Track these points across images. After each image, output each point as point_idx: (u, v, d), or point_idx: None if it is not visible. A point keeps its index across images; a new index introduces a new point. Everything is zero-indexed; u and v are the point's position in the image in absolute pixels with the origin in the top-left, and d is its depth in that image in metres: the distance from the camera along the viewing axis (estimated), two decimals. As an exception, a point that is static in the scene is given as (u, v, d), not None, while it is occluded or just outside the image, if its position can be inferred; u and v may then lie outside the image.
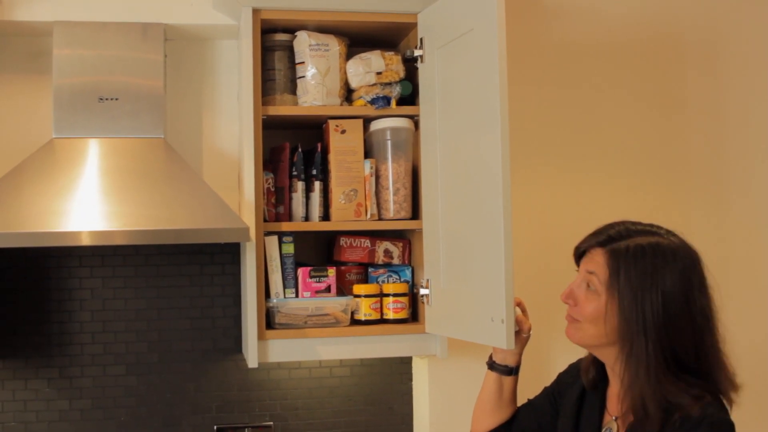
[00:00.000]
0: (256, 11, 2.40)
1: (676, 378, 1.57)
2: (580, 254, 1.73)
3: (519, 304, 2.02)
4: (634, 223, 1.70)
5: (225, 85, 2.71)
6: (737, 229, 3.05)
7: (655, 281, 1.59)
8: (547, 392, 1.97)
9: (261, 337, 2.37)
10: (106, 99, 2.44)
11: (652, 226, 1.70)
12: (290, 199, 2.51)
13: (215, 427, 2.69)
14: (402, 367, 2.79)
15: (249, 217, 2.36)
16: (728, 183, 3.06)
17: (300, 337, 2.40)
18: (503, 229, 2.01)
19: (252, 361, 2.36)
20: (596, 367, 1.77)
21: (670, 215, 2.96)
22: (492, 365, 2.00)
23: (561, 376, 1.97)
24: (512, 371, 1.98)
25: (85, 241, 2.19)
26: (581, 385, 1.81)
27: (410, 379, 2.80)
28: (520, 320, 1.99)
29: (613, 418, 1.70)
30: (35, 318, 2.62)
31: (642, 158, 2.99)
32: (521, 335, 1.98)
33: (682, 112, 3.04)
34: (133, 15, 2.48)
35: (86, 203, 2.25)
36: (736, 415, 1.61)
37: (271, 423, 2.72)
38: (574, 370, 1.90)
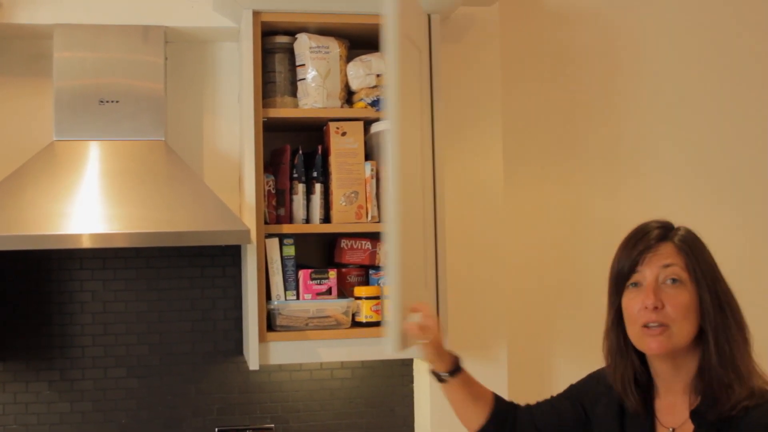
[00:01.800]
0: (256, 14, 2.40)
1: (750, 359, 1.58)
2: (633, 261, 1.64)
3: (418, 311, 1.91)
4: (653, 220, 1.69)
5: (226, 88, 2.71)
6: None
7: (714, 262, 1.62)
8: (567, 396, 1.91)
9: (262, 339, 2.37)
10: (107, 101, 2.44)
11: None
12: (291, 201, 2.51)
13: (216, 430, 2.69)
14: (403, 369, 2.79)
15: (250, 220, 2.36)
16: (735, 184, 3.07)
17: (301, 339, 2.40)
18: (395, 236, 1.89)
19: (253, 363, 2.36)
20: (639, 386, 1.69)
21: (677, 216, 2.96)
22: (431, 374, 1.94)
23: (585, 385, 1.89)
24: (450, 374, 1.90)
25: (86, 244, 2.19)
26: (618, 401, 1.74)
27: (411, 381, 2.80)
28: (418, 327, 1.87)
29: (670, 429, 1.64)
30: (36, 320, 2.62)
31: (650, 161, 3.00)
32: (426, 342, 1.88)
33: (683, 112, 3.05)
34: (134, 18, 2.49)
35: (87, 206, 2.25)
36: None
37: (273, 425, 2.72)
38: (600, 380, 1.82)
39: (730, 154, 3.07)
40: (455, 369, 1.90)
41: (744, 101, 3.09)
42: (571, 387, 1.91)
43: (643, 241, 1.63)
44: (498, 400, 1.94)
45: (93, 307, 2.65)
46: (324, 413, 2.76)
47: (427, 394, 2.66)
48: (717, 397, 1.54)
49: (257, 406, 2.72)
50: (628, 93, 3.02)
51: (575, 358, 2.83)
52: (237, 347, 2.71)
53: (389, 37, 1.96)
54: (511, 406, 1.96)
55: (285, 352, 2.40)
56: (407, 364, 2.75)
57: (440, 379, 1.92)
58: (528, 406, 1.95)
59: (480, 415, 1.92)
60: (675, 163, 3.03)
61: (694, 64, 3.06)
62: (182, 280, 2.70)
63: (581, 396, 1.86)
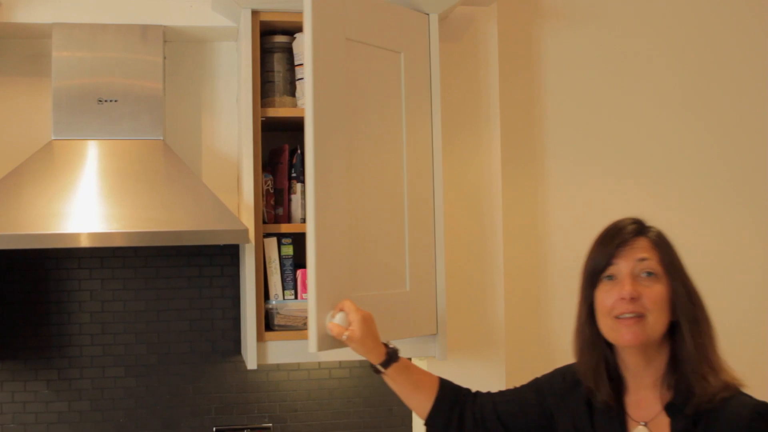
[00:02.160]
0: (255, 13, 2.40)
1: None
2: (609, 254, 1.68)
3: (342, 309, 1.97)
4: (626, 218, 1.75)
5: (224, 87, 2.71)
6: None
7: (682, 260, 1.69)
8: (532, 388, 1.93)
9: (260, 338, 2.37)
10: (106, 101, 2.44)
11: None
12: (289, 200, 2.51)
13: (214, 429, 2.69)
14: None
15: (248, 219, 2.36)
16: (730, 186, 3.07)
17: (299, 339, 2.40)
18: (312, 236, 2.00)
19: (251, 362, 2.36)
20: (610, 380, 1.72)
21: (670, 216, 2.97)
22: (370, 367, 1.99)
23: (551, 379, 1.90)
24: (384, 365, 1.95)
25: (84, 243, 2.19)
26: (585, 398, 1.76)
27: (409, 381, 2.80)
28: (335, 327, 1.95)
29: (642, 424, 1.66)
30: (34, 320, 2.62)
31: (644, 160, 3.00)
32: (346, 339, 1.94)
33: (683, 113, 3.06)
34: (133, 17, 2.49)
35: (85, 205, 2.25)
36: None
37: (270, 425, 2.72)
38: (566, 376, 1.85)
39: (731, 158, 3.08)
40: (388, 360, 1.94)
41: (737, 103, 3.10)
42: (537, 380, 1.94)
43: (618, 236, 1.68)
44: (444, 386, 1.98)
45: (91, 307, 2.65)
46: (322, 413, 2.76)
47: (425, 393, 2.66)
48: (693, 390, 1.58)
49: (255, 405, 2.72)
50: (631, 92, 3.02)
51: (573, 359, 2.83)
52: (235, 347, 2.71)
53: (306, 39, 2.06)
54: (462, 392, 1.99)
55: (283, 351, 2.40)
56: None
57: (376, 371, 1.97)
58: (490, 394, 1.99)
59: (425, 403, 1.96)
60: (676, 164, 3.03)
61: (695, 65, 3.07)
62: (180, 279, 2.70)
63: (546, 389, 1.89)
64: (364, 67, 2.23)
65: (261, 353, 2.38)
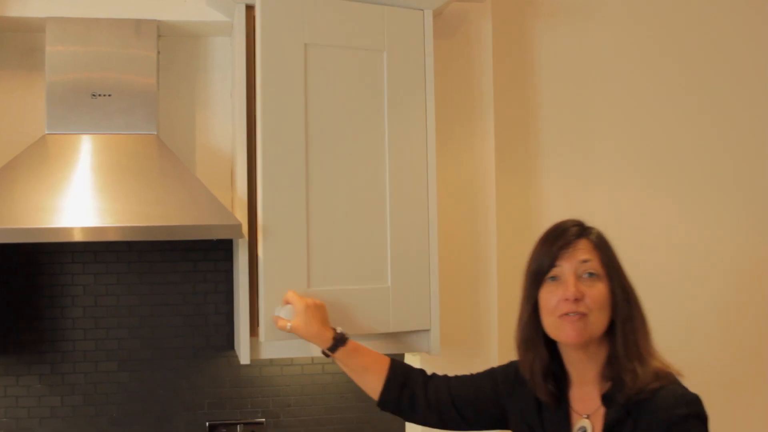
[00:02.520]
0: (249, 8, 2.39)
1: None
2: (553, 256, 1.75)
3: (287, 302, 2.19)
4: (568, 220, 1.83)
5: (218, 82, 2.71)
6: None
7: (620, 260, 1.78)
8: (488, 376, 2.03)
9: (253, 333, 2.37)
10: (99, 95, 2.43)
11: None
12: (283, 196, 2.51)
13: (207, 424, 2.69)
14: (394, 364, 2.80)
15: (242, 214, 2.36)
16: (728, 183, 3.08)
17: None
18: (261, 231, 2.24)
19: (244, 357, 2.36)
20: (553, 376, 1.82)
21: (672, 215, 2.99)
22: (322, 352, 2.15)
23: (506, 370, 2.00)
24: (331, 350, 2.11)
25: (78, 237, 2.18)
26: (534, 394, 1.84)
27: (402, 376, 2.80)
28: (278, 319, 2.18)
29: (584, 416, 1.75)
30: (27, 314, 2.62)
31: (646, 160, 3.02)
32: (289, 329, 2.14)
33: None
34: (127, 11, 2.48)
35: (79, 199, 2.25)
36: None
37: (263, 420, 2.72)
38: (520, 373, 1.91)
39: (728, 153, 3.10)
40: (335, 345, 2.10)
41: (734, 99, 3.11)
42: (493, 369, 2.04)
43: (561, 238, 1.76)
44: (394, 368, 2.09)
45: (84, 301, 2.65)
46: (315, 408, 2.76)
47: (417, 389, 2.67)
48: (624, 382, 1.67)
49: (248, 400, 2.73)
50: (625, 88, 3.03)
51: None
52: (228, 342, 2.72)
53: (258, 40, 2.28)
54: (414, 374, 2.10)
55: (276, 346, 2.39)
56: (398, 358, 2.75)
57: (325, 355, 2.13)
58: (446, 377, 2.09)
59: (376, 384, 2.09)
60: (671, 159, 3.04)
61: (691, 59, 3.08)
62: (174, 274, 2.70)
63: (501, 380, 1.98)
64: (331, 69, 2.37)
65: (254, 348, 2.37)
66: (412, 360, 2.71)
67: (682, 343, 3.00)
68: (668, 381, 1.68)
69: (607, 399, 1.71)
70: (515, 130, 2.93)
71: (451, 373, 2.13)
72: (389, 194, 2.41)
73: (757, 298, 3.09)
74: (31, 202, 2.21)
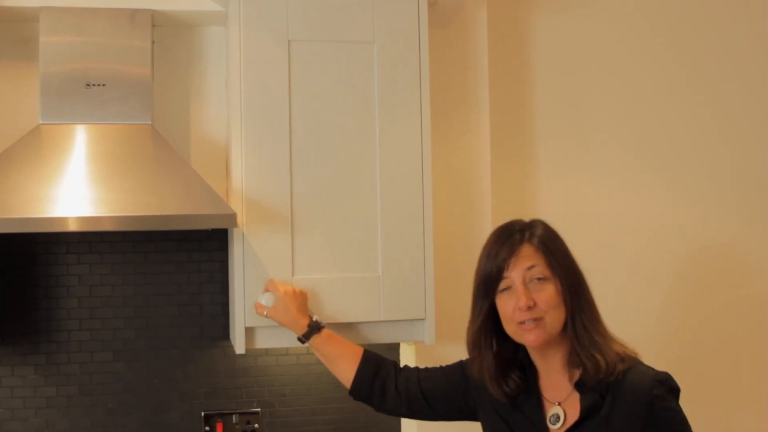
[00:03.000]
0: (244, -3, 2.40)
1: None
2: (499, 267, 1.81)
3: (267, 290, 2.30)
4: (514, 221, 1.89)
5: (213, 72, 2.70)
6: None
7: (567, 249, 1.84)
8: (459, 368, 2.08)
9: (248, 323, 2.37)
10: (94, 85, 2.43)
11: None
12: (278, 185, 2.51)
13: (203, 414, 2.69)
14: (389, 354, 2.76)
15: (237, 204, 2.36)
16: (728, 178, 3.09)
17: (287, 324, 2.41)
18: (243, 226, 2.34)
19: (239, 347, 2.36)
20: (518, 370, 1.88)
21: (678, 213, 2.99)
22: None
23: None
24: (306, 336, 2.23)
25: (73, 227, 2.18)
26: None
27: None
28: (258, 305, 2.30)
29: (556, 403, 1.81)
30: (22, 304, 2.62)
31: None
32: (266, 315, 2.27)
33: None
34: (121, 1, 2.47)
35: (74, 189, 2.24)
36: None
37: (259, 409, 2.73)
38: None
39: (727, 146, 3.10)
40: (309, 332, 2.22)
41: (734, 92, 3.11)
42: (462, 362, 2.08)
43: (505, 248, 1.82)
44: (366, 358, 2.19)
45: (79, 291, 2.65)
46: (310, 398, 2.77)
47: (413, 378, 2.67)
48: (589, 370, 1.74)
49: (243, 390, 2.73)
50: (622, 78, 3.03)
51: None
52: (224, 332, 2.72)
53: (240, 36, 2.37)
54: (386, 364, 2.18)
55: (271, 336, 2.40)
56: (393, 348, 2.76)
57: (300, 341, 2.25)
58: (417, 369, 2.16)
59: (348, 373, 2.19)
60: (667, 151, 3.05)
61: (689, 49, 3.08)
62: (169, 264, 2.70)
63: (470, 373, 2.00)
64: (317, 61, 2.42)
65: (249, 338, 2.38)
66: (408, 350, 2.71)
67: (674, 331, 3.02)
68: (633, 362, 1.76)
69: (579, 385, 1.77)
70: (511, 119, 2.92)
71: (444, 364, 2.14)
72: (380, 184, 2.43)
73: (752, 289, 3.10)
74: (25, 191, 2.21)
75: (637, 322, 2.87)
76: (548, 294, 1.78)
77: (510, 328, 1.83)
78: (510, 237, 1.83)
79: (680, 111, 3.07)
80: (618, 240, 2.97)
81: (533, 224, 1.86)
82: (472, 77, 2.74)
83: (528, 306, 1.76)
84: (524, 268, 1.79)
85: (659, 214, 3.04)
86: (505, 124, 2.91)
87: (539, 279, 1.79)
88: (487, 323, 1.87)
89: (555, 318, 1.78)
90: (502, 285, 1.81)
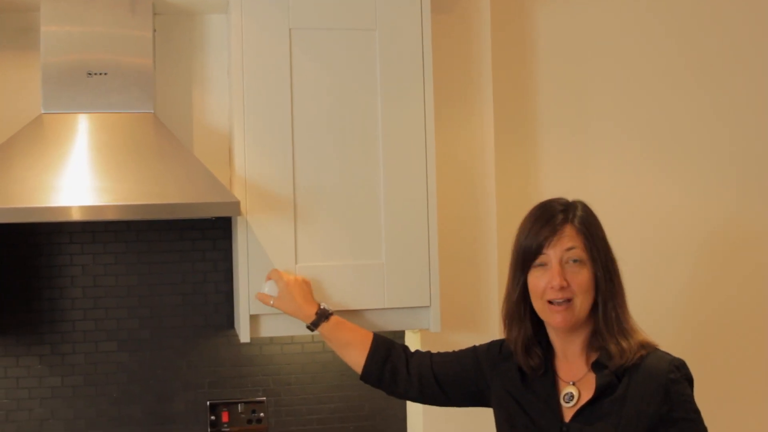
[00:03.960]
0: (245, -16, 2.39)
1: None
2: (539, 244, 1.82)
3: (270, 278, 2.31)
4: (554, 199, 1.90)
5: (215, 60, 2.69)
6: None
7: (604, 235, 1.86)
8: (471, 353, 2.10)
9: (252, 310, 2.37)
10: (95, 74, 2.42)
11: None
12: (281, 173, 2.51)
13: (208, 403, 2.69)
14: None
15: (240, 192, 2.35)
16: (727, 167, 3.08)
17: (292, 312, 2.40)
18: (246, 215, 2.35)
19: (244, 336, 2.36)
20: (540, 348, 1.90)
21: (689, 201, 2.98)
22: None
23: (489, 348, 2.08)
24: (314, 324, 2.24)
25: (76, 216, 2.17)
26: (517, 367, 1.93)
27: (402, 354, 2.80)
28: (260, 295, 2.32)
29: (571, 383, 1.84)
30: (26, 295, 2.62)
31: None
32: (272, 304, 2.29)
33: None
34: (122, -11, 2.46)
35: (76, 178, 2.24)
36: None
37: (264, 398, 2.73)
38: (502, 348, 2.03)
39: (727, 131, 3.09)
40: (317, 320, 2.23)
41: (738, 77, 3.10)
42: (475, 348, 2.11)
43: (548, 226, 1.82)
44: (377, 343, 2.19)
45: (83, 281, 2.65)
46: (315, 386, 2.77)
47: (418, 366, 2.67)
48: (611, 353, 1.77)
49: (248, 379, 2.73)
50: (626, 63, 3.01)
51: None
52: (228, 320, 2.71)
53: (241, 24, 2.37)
54: (396, 348, 2.19)
55: (276, 325, 2.39)
56: (398, 336, 2.76)
57: (309, 329, 2.26)
58: (429, 353, 2.17)
59: (358, 359, 2.19)
60: (671, 136, 3.04)
61: (692, 34, 3.07)
62: (173, 253, 2.69)
63: (482, 357, 2.06)
64: (317, 50, 2.42)
65: (254, 327, 2.37)
66: (413, 337, 2.71)
67: (685, 319, 3.01)
68: (652, 348, 1.80)
69: (596, 365, 1.80)
70: (514, 106, 2.91)
71: (451, 350, 2.14)
72: (383, 171, 2.43)
73: (755, 274, 3.09)
74: (28, 181, 2.20)
75: (646, 310, 2.86)
76: (583, 277, 1.80)
77: (538, 305, 1.85)
78: (553, 216, 1.84)
79: (684, 98, 3.05)
80: (623, 228, 2.96)
81: (575, 204, 1.87)
82: (476, 63, 2.73)
83: (561, 286, 1.78)
84: (564, 248, 1.81)
85: (664, 202, 3.03)
86: (509, 111, 2.89)
87: (575, 261, 1.80)
88: (524, 295, 1.88)
89: (584, 302, 1.80)
90: (538, 261, 1.83)
